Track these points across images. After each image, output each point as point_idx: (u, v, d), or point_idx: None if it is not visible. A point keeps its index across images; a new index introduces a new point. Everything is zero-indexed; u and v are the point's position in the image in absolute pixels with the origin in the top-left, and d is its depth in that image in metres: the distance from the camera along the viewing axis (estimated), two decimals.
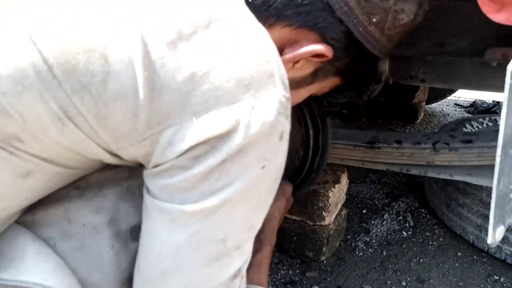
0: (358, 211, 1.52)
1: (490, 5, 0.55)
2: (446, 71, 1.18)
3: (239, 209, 0.48)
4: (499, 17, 0.56)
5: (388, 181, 1.74)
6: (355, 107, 0.76)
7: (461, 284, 1.19)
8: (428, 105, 2.59)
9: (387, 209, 1.53)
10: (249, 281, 0.78)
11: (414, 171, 1.04)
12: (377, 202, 1.58)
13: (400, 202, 1.57)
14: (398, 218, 1.48)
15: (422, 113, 2.42)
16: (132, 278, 0.53)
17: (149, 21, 0.43)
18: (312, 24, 0.59)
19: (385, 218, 1.48)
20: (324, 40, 0.60)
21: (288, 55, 0.60)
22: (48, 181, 0.49)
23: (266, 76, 0.46)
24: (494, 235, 0.65)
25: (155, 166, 0.47)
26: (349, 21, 0.59)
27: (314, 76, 0.66)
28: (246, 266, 0.54)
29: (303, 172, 1.02)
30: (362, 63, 0.68)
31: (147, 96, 0.42)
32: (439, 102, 2.66)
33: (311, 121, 0.97)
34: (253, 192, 0.48)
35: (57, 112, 0.41)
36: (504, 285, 1.17)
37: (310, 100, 0.96)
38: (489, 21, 0.61)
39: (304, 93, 0.70)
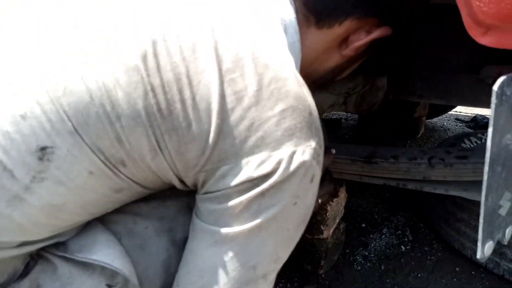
0: (357, 225, 1.53)
1: (477, 29, 0.57)
2: (443, 87, 1.19)
3: (270, 240, 0.55)
4: (485, 39, 0.58)
5: (387, 195, 1.75)
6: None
7: None
8: (429, 120, 2.60)
9: (386, 223, 1.53)
10: None
11: (410, 186, 1.05)
12: (376, 216, 1.58)
13: (399, 216, 1.58)
14: (396, 233, 1.48)
15: (423, 128, 2.43)
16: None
17: (226, 74, 0.52)
18: (375, 12, 0.71)
19: (384, 232, 1.48)
20: (382, 22, 0.72)
21: (359, 42, 0.71)
22: (131, 196, 0.60)
23: (307, 127, 0.55)
24: (483, 250, 0.66)
25: (207, 192, 0.55)
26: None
27: (367, 49, 0.77)
28: None
29: None
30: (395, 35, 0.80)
31: (214, 139, 0.52)
32: (440, 117, 2.67)
33: None
34: (283, 225, 0.56)
35: (154, 145, 0.52)
36: None
37: None
38: None
39: (357, 64, 0.83)
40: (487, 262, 1.27)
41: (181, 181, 0.57)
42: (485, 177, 0.61)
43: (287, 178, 0.53)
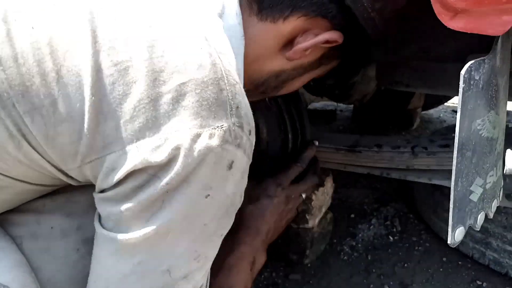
0: (346, 215, 1.53)
1: (445, 13, 0.56)
2: (430, 77, 1.19)
3: (182, 240, 0.48)
4: (453, 23, 0.57)
5: (378, 186, 1.74)
6: (346, 87, 0.83)
7: None
8: (425, 112, 2.59)
9: (375, 214, 1.53)
10: (217, 287, 0.79)
11: (394, 175, 1.05)
12: (365, 207, 1.58)
13: (389, 207, 1.57)
14: (385, 223, 1.48)
15: (418, 119, 2.42)
16: None
17: (104, 41, 0.44)
18: (325, 13, 0.64)
19: (373, 223, 1.48)
20: (333, 27, 0.65)
21: (304, 44, 0.65)
22: (26, 194, 0.53)
23: (217, 105, 0.47)
24: (454, 236, 0.66)
25: (101, 191, 0.48)
26: (356, 8, 0.64)
27: (320, 60, 0.71)
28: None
29: None
30: (360, 47, 0.75)
31: (92, 121, 0.43)
32: (436, 109, 2.66)
33: (290, 126, 0.98)
34: (197, 222, 0.48)
35: (12, 130, 0.43)
36: None
37: (290, 104, 0.97)
38: None
39: (309, 77, 0.75)
40: (473, 252, 1.27)
41: (69, 176, 0.49)
42: (454, 162, 0.61)
43: (192, 167, 0.45)
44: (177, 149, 0.44)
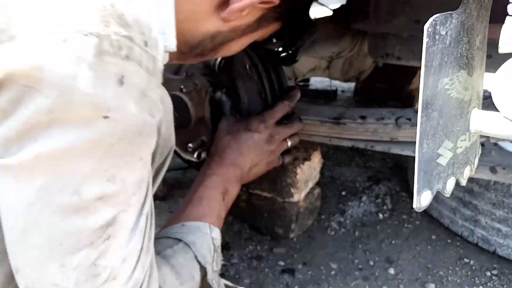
0: (337, 192, 1.51)
1: None
2: (421, 49, 1.15)
3: (84, 159, 0.44)
4: None
5: (373, 165, 1.72)
6: (294, 51, 0.81)
7: (430, 266, 1.17)
8: None
9: (366, 192, 1.51)
10: (186, 217, 0.78)
11: (378, 148, 1.03)
12: (358, 185, 1.56)
13: (381, 185, 1.55)
14: (376, 201, 1.46)
15: None
16: None
17: None
18: None
19: (363, 200, 1.46)
20: None
21: (237, 4, 0.60)
22: None
23: (93, 11, 0.42)
24: (419, 200, 0.64)
25: None
26: None
27: (259, 23, 0.68)
28: (130, 215, 0.51)
29: None
30: (299, 8, 0.73)
31: None
32: None
33: (271, 94, 0.97)
34: (100, 142, 0.45)
35: None
36: (473, 267, 1.15)
37: (270, 72, 0.95)
38: None
39: (248, 40, 0.72)
40: (462, 230, 1.25)
41: None
42: (419, 122, 0.59)
43: (69, 85, 0.40)
44: (39, 58, 0.39)
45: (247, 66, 0.97)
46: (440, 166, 0.64)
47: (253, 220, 1.31)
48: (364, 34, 1.60)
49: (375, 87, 2.34)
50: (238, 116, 1.00)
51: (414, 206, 0.63)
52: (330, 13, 1.90)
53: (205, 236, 0.74)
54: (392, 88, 2.28)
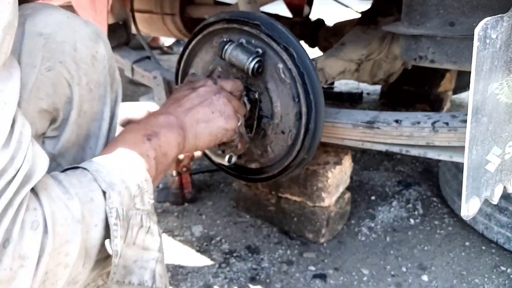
0: (366, 197, 1.49)
1: None
2: (456, 52, 1.13)
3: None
4: None
5: (402, 169, 1.69)
6: None
7: (465, 273, 1.14)
8: (456, 95, 2.49)
9: (396, 197, 1.49)
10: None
11: (413, 152, 1.01)
12: (387, 190, 1.54)
13: (411, 190, 1.53)
14: (407, 206, 1.44)
15: (449, 103, 2.33)
16: None
17: None
18: None
19: (393, 205, 1.44)
20: None
21: None
22: None
23: None
24: (467, 208, 0.62)
25: None
26: None
27: None
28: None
29: (294, 152, 1.01)
30: None
31: None
32: (467, 93, 2.55)
33: (305, 99, 0.95)
34: None
35: None
36: (510, 276, 1.12)
37: (304, 78, 0.94)
38: None
39: None
40: (498, 237, 1.21)
41: None
42: (468, 127, 0.57)
43: None
44: None
45: (281, 70, 0.96)
46: (489, 172, 0.62)
47: (282, 224, 1.31)
48: (393, 36, 1.58)
49: (402, 90, 2.31)
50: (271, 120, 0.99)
51: (462, 214, 0.62)
52: (358, 15, 1.89)
53: (114, 166, 0.61)
54: (419, 91, 2.25)
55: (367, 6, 1.81)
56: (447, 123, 0.95)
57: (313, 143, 0.99)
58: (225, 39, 1.01)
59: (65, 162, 0.69)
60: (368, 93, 2.61)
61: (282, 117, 1.01)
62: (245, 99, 1.03)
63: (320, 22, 1.98)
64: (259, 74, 0.98)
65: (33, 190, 0.51)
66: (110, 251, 0.56)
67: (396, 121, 1.01)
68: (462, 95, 2.58)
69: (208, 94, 0.85)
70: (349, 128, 1.07)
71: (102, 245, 0.57)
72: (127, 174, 0.60)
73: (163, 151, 0.71)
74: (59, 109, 0.66)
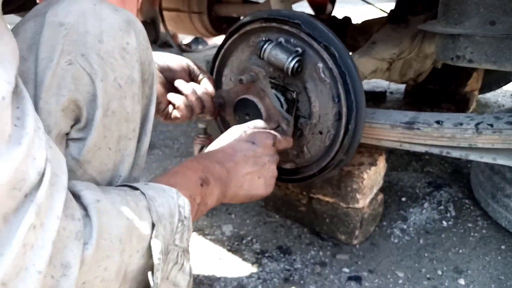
0: (396, 198, 1.47)
1: None
2: (496, 52, 1.10)
3: None
4: None
5: (431, 170, 1.66)
6: None
7: (503, 277, 1.12)
8: (482, 95, 2.45)
9: (428, 198, 1.46)
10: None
11: (455, 154, 0.99)
12: (417, 191, 1.52)
13: (442, 191, 1.50)
14: (439, 208, 1.41)
15: (475, 103, 2.29)
16: None
17: None
18: None
19: (425, 207, 1.42)
20: None
21: None
22: None
23: None
24: None
25: None
26: None
27: None
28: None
29: (332, 153, 0.99)
30: None
31: None
32: (494, 93, 2.51)
33: (345, 99, 0.94)
34: None
35: None
36: None
37: (346, 77, 0.93)
38: None
39: None
40: None
41: None
42: None
43: None
44: None
45: (320, 69, 0.95)
46: None
47: (313, 224, 1.30)
48: (424, 35, 1.55)
49: (427, 89, 2.27)
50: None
51: None
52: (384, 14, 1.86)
53: (168, 198, 0.61)
54: (445, 90, 2.21)
55: (388, 4, 1.79)
56: (491, 125, 0.93)
57: (352, 144, 0.97)
58: (263, 38, 1.00)
59: (92, 169, 0.63)
60: (391, 92, 2.58)
61: (320, 117, 0.99)
62: (282, 99, 1.02)
63: (347, 20, 1.96)
64: (298, 74, 0.97)
65: (80, 199, 0.51)
66: (151, 283, 0.56)
67: (438, 122, 0.99)
68: (488, 95, 2.54)
69: (263, 157, 0.87)
70: (387, 129, 1.06)
71: (140, 273, 0.57)
72: (175, 211, 0.61)
73: (206, 201, 0.73)
74: (82, 107, 0.60)
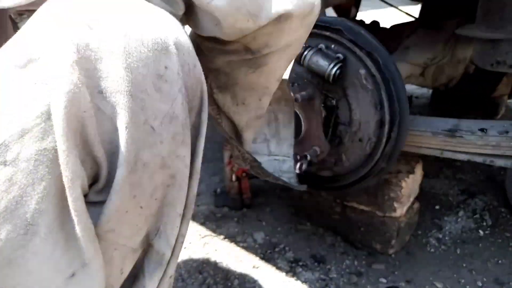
0: (430, 206, 1.44)
1: None
2: None
3: None
4: None
5: (463, 177, 1.63)
6: None
7: None
8: (510, 100, 2.40)
9: (462, 206, 1.43)
10: None
11: (499, 163, 0.96)
12: (451, 199, 1.48)
13: (477, 199, 1.46)
14: (474, 216, 1.38)
15: (504, 108, 2.24)
16: None
17: None
18: None
19: (460, 215, 1.38)
20: None
21: None
22: None
23: None
24: None
25: None
26: None
27: None
28: None
29: (373, 161, 0.97)
30: None
31: None
32: None
33: (389, 106, 0.92)
34: None
35: None
36: None
37: (389, 84, 0.91)
38: None
39: None
40: None
41: None
42: None
43: None
44: None
45: (362, 76, 0.93)
46: None
47: (347, 233, 1.27)
48: (457, 40, 1.53)
49: (455, 94, 2.23)
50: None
51: None
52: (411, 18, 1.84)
53: None
54: (473, 95, 2.17)
55: (410, 7, 1.75)
56: None
57: (394, 152, 0.95)
58: (303, 45, 0.98)
59: (119, 237, 0.48)
60: (416, 97, 2.54)
61: (361, 124, 0.97)
62: (321, 106, 1.00)
63: (376, 24, 1.93)
64: (338, 80, 0.96)
65: None
66: None
67: (482, 129, 0.97)
68: None
69: None
70: (428, 136, 1.03)
71: None
72: None
73: None
74: (100, 162, 0.44)
